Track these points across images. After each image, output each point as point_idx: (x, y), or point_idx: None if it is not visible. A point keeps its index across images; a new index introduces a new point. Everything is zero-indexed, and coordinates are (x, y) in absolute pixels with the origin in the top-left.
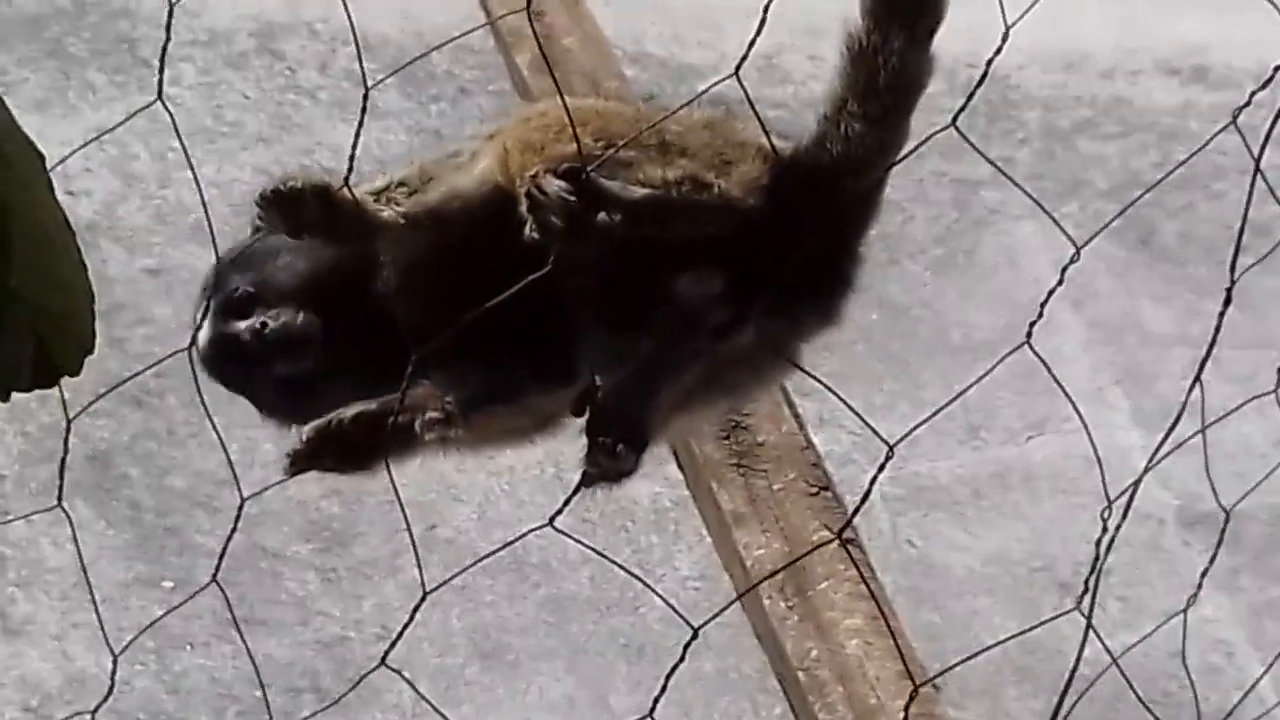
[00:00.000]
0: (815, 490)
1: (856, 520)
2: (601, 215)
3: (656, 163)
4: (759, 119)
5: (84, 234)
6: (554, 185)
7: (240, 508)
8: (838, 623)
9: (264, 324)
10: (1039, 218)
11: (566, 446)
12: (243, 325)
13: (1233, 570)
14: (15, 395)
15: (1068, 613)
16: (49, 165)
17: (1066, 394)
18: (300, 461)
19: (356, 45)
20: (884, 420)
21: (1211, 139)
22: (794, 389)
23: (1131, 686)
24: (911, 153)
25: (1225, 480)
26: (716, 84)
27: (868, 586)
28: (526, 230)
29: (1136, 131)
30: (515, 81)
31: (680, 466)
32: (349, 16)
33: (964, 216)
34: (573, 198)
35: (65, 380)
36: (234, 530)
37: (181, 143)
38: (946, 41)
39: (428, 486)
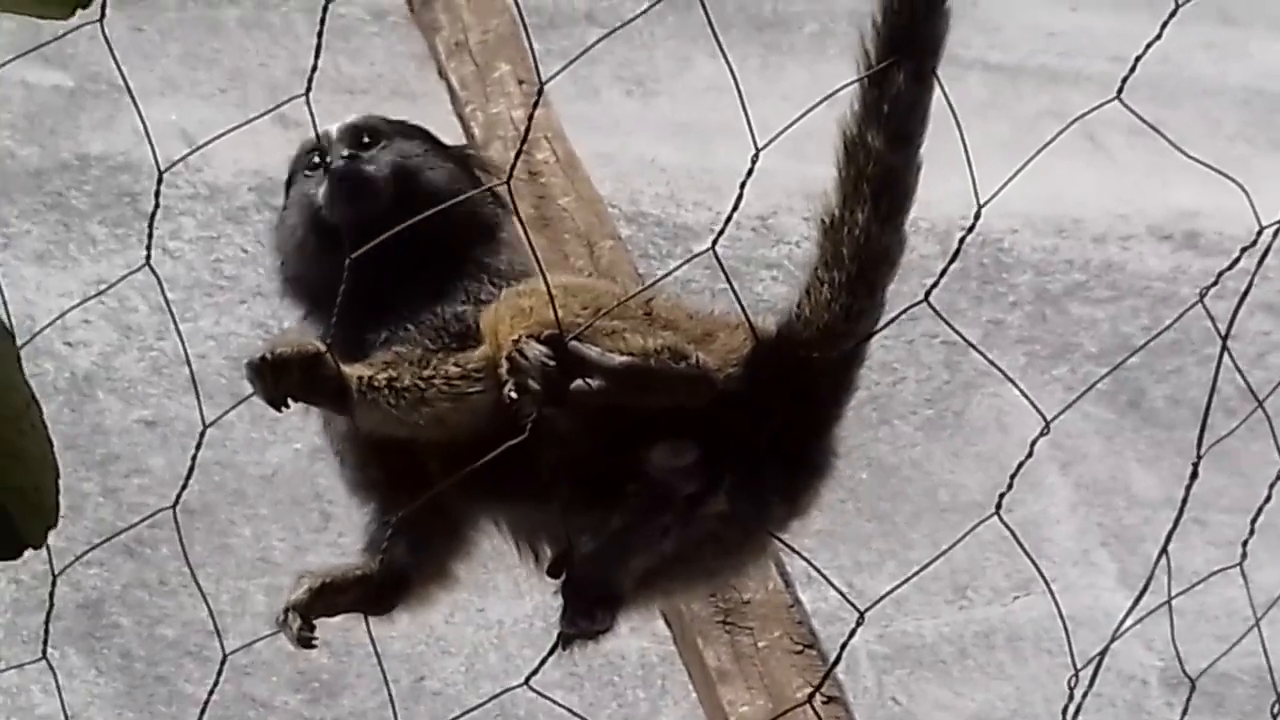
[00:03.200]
0: (800, 648)
1: (843, 678)
2: (579, 381)
3: (638, 332)
4: (735, 294)
5: (81, 385)
6: (535, 350)
7: (223, 662)
8: None
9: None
10: (1029, 380)
11: (556, 600)
12: None
13: None
14: None
15: None
16: (49, 316)
17: (1033, 562)
18: (309, 631)
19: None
20: (872, 579)
21: (1178, 319)
22: (782, 546)
23: None
24: (889, 324)
25: (1208, 643)
26: (695, 257)
27: None
28: (505, 391)
29: (1128, 296)
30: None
31: (668, 622)
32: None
33: (954, 378)
34: (552, 363)
35: (60, 526)
36: (216, 683)
37: (166, 302)
38: (940, 207)
39: (416, 639)
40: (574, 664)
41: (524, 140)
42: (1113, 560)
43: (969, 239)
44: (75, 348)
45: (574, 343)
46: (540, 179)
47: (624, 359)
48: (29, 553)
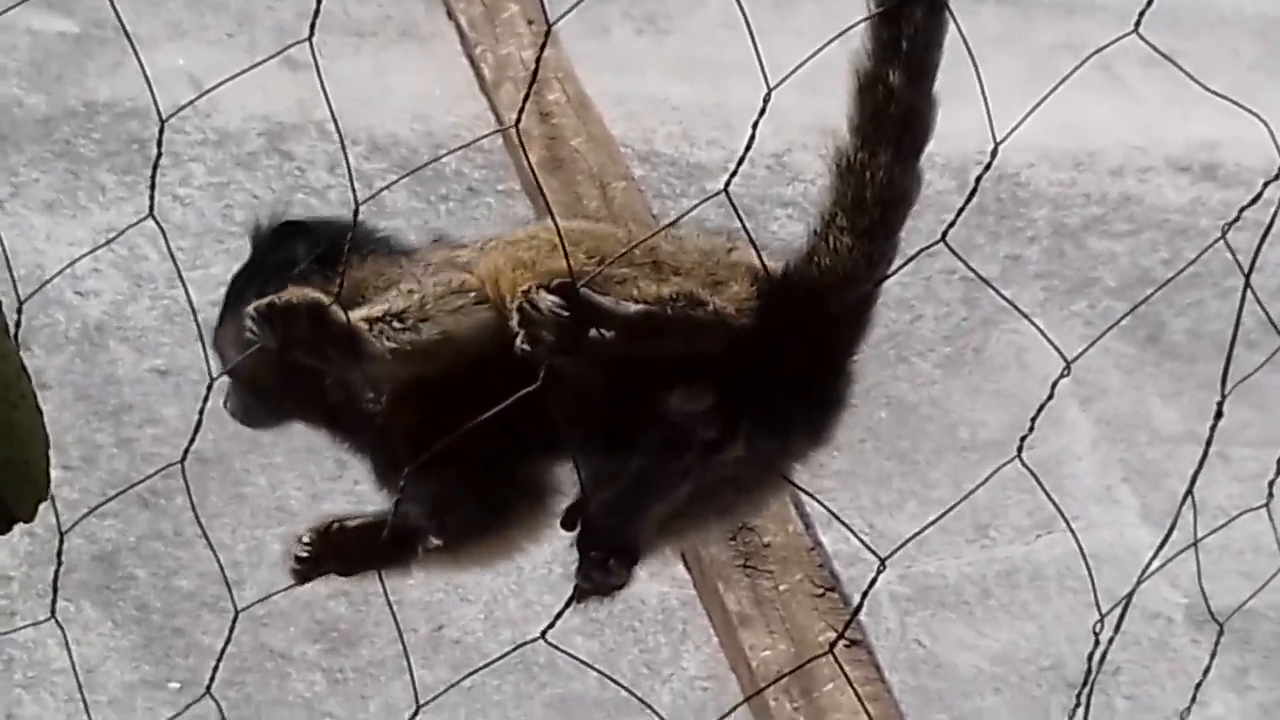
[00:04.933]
0: (821, 591)
1: (865, 620)
2: (593, 331)
3: (650, 279)
4: (750, 238)
5: (92, 334)
6: (546, 300)
7: (235, 618)
8: None
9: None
10: (1048, 315)
11: (572, 553)
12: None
13: (1241, 669)
14: None
15: None
16: (59, 265)
17: (1056, 506)
18: (305, 566)
19: (343, 149)
20: (893, 519)
21: (1200, 255)
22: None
23: None
24: (903, 267)
25: (1233, 579)
26: (705, 201)
27: (856, 692)
28: (517, 344)
29: (1146, 229)
30: (524, 182)
31: (687, 566)
32: (333, 115)
33: (973, 315)
34: (564, 313)
35: (73, 478)
36: (228, 641)
37: (171, 254)
38: (957, 141)
39: (435, 586)
40: (593, 610)
41: (531, 85)
42: (1135, 496)
43: (986, 175)
44: (86, 297)
45: (586, 291)
46: (551, 120)
47: (639, 307)
48: (42, 505)
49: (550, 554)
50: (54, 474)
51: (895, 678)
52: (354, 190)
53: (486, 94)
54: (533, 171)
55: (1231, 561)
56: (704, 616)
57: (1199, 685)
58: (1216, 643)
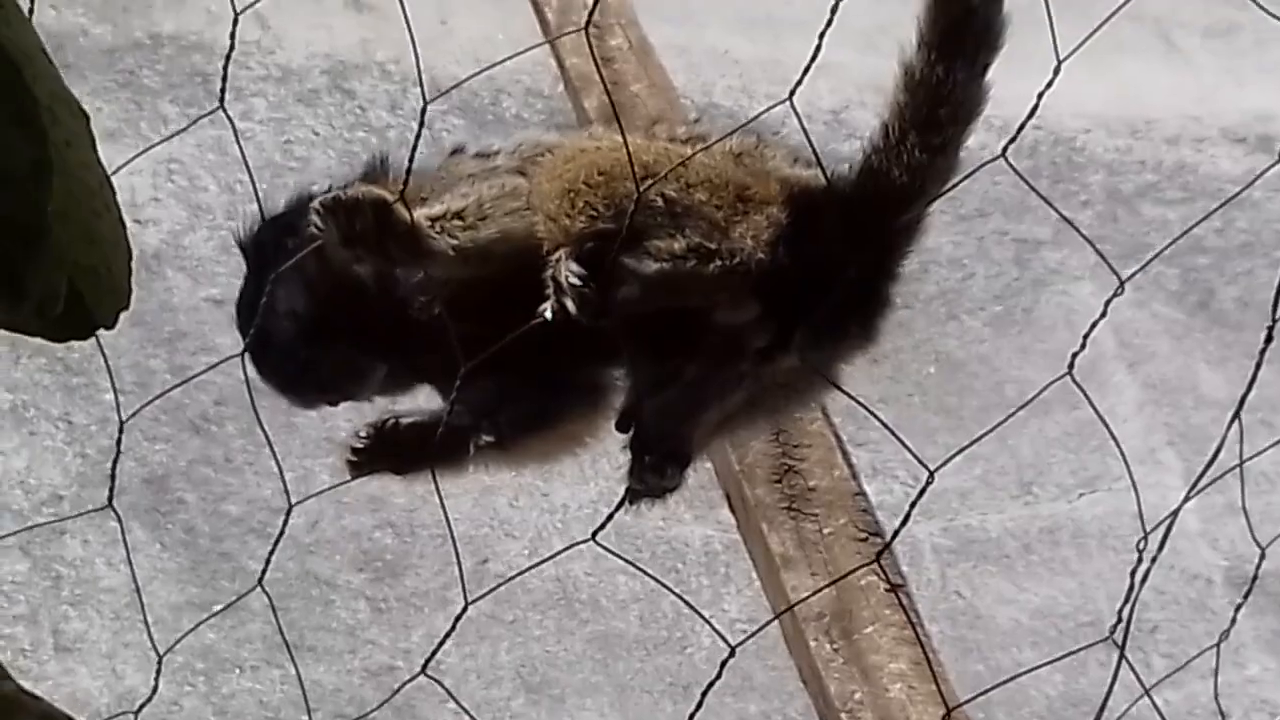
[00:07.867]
0: (864, 536)
1: (906, 570)
2: (624, 289)
3: (664, 229)
4: (814, 152)
5: (150, 262)
6: (566, 276)
7: (288, 513)
8: (882, 666)
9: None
10: (1098, 279)
11: (620, 486)
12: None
13: (1279, 632)
14: (74, 419)
15: (1101, 641)
16: (119, 194)
17: (1113, 435)
18: (361, 459)
19: (420, 73)
20: (938, 474)
21: (1241, 191)
22: (849, 438)
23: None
24: (959, 184)
25: (1273, 546)
26: (772, 107)
27: (915, 631)
28: (546, 310)
29: (1200, 198)
30: (581, 125)
31: (732, 509)
32: (414, 50)
33: (1024, 275)
34: (587, 285)
35: (126, 402)
36: (281, 534)
37: (243, 154)
38: (1011, 106)
39: (480, 521)
40: (638, 550)
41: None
42: (1179, 459)
43: (1041, 137)
44: (145, 225)
45: (619, 257)
46: (613, 64)
47: (658, 267)
48: (94, 427)
49: (596, 493)
50: (106, 397)
51: (935, 628)
52: (425, 95)
53: (549, 39)
54: (603, 79)
55: (1272, 528)
56: (746, 560)
57: (1219, 643)
58: (1258, 567)
